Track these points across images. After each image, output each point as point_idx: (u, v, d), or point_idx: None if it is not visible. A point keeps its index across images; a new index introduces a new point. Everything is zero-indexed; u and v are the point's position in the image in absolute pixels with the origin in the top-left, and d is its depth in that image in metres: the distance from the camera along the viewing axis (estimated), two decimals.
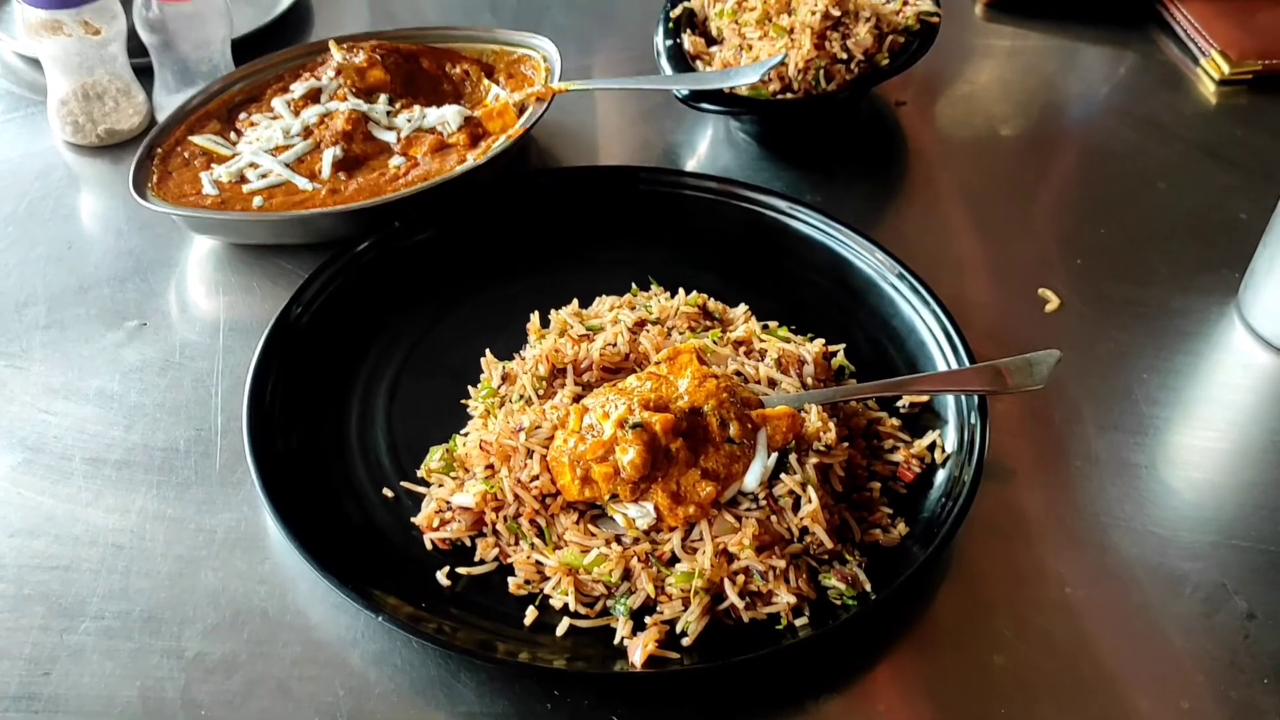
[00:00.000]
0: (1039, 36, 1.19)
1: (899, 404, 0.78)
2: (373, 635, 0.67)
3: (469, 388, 0.78)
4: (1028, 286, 0.90)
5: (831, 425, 0.72)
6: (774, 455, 0.69)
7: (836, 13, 0.96)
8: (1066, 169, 1.06)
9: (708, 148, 1.04)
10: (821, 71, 0.95)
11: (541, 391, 0.75)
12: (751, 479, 0.68)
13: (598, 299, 0.83)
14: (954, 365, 0.79)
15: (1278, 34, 1.13)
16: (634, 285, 0.85)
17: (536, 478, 0.69)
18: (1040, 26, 1.20)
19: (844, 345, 0.81)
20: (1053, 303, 0.89)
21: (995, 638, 0.68)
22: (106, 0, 0.92)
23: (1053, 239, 0.96)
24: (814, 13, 0.96)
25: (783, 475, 0.69)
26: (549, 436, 0.70)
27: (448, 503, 0.71)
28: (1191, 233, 0.96)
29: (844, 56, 0.95)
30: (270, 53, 1.00)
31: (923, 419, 0.78)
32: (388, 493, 0.73)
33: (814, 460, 0.70)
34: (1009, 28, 1.20)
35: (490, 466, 0.71)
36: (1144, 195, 1.00)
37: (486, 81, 1.00)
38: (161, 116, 0.98)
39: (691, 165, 1.02)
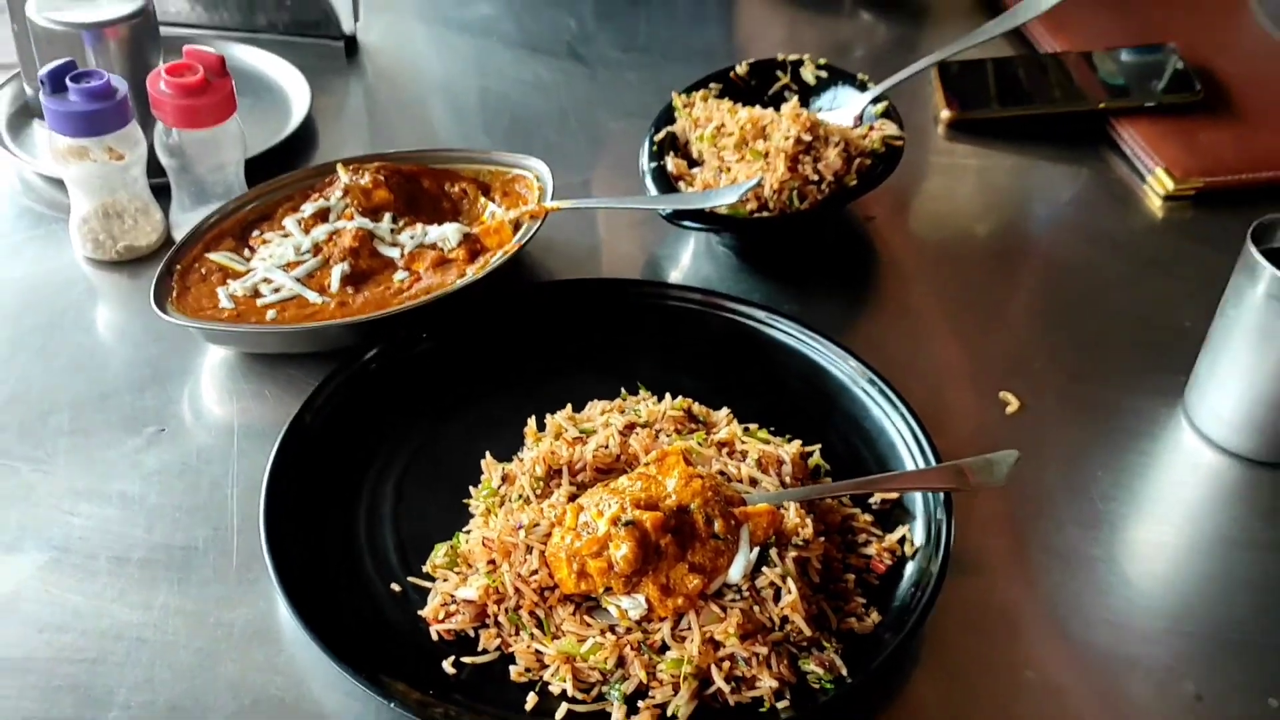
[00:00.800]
0: (998, 155, 1.27)
1: (871, 501, 0.84)
2: None
3: (470, 488, 0.84)
4: (990, 389, 0.97)
5: (809, 521, 0.78)
6: (756, 549, 0.75)
7: (808, 138, 1.04)
8: (1025, 279, 1.13)
9: (690, 260, 1.11)
10: (795, 192, 1.02)
11: (539, 491, 0.80)
12: (735, 572, 0.74)
13: (590, 404, 0.89)
14: (921, 465, 0.85)
15: (1219, 154, 1.22)
16: (623, 390, 0.91)
17: (535, 572, 0.74)
18: (999, 146, 1.28)
19: (819, 445, 0.88)
20: (1013, 405, 0.95)
21: (965, 718, 0.73)
22: (130, 128, 0.99)
23: (1013, 344, 1.03)
24: (787, 138, 1.04)
25: (764, 568, 0.74)
26: (546, 533, 0.76)
27: (452, 596, 0.76)
28: (1141, 339, 1.03)
29: (815, 178, 1.03)
30: (279, 171, 1.07)
31: (893, 514, 0.83)
32: (395, 587, 0.78)
33: (793, 554, 0.75)
34: (969, 146, 1.28)
35: (492, 562, 0.76)
36: (1097, 303, 1.08)
37: (483, 199, 1.07)
38: (177, 233, 1.05)
39: (675, 277, 1.09)
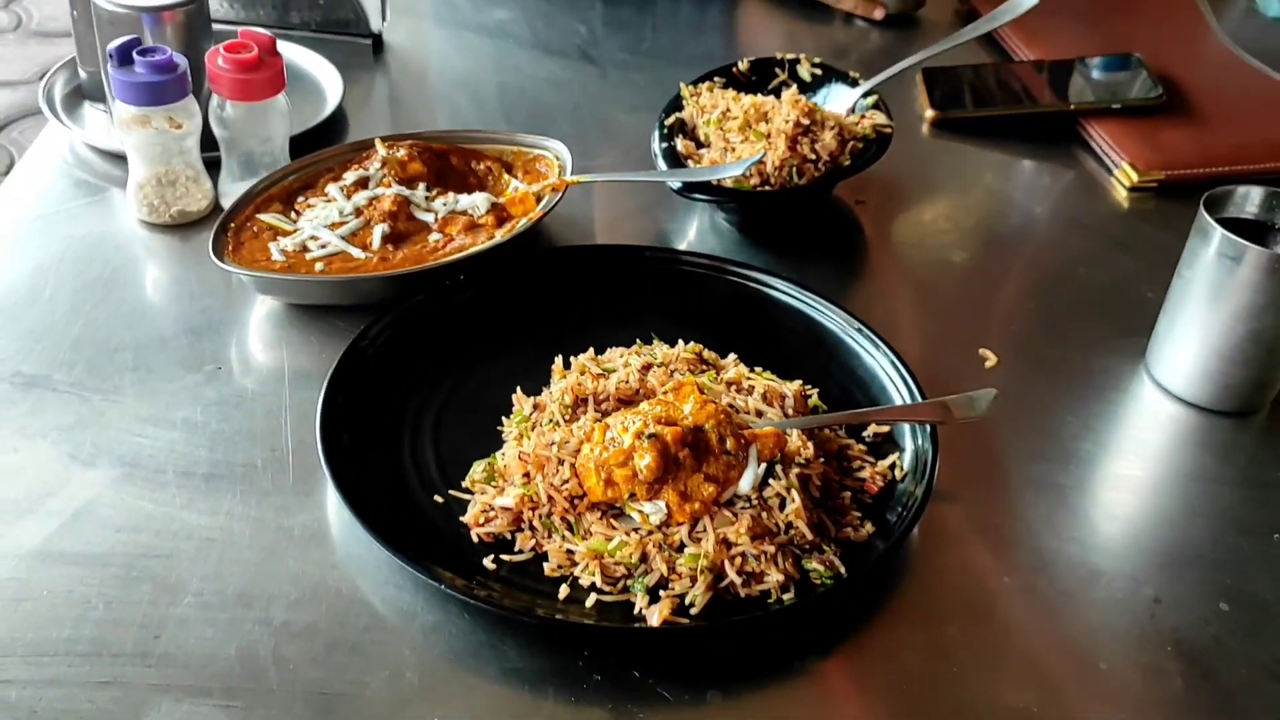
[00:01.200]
0: (978, 151, 1.38)
1: (865, 433, 0.93)
2: (430, 609, 0.80)
3: (503, 418, 0.93)
4: (970, 347, 1.06)
5: (809, 444, 0.87)
6: (763, 466, 0.84)
7: (806, 121, 1.14)
8: (1003, 256, 1.23)
9: (696, 234, 1.20)
10: (794, 169, 1.12)
11: (568, 417, 0.89)
12: (745, 483, 0.83)
13: (609, 349, 0.98)
14: (909, 403, 0.94)
15: (1178, 150, 1.33)
16: (638, 340, 1.00)
17: (567, 482, 0.83)
18: (978, 143, 1.39)
19: (818, 390, 0.97)
20: (991, 360, 1.05)
21: (948, 615, 0.82)
22: (188, 100, 1.08)
23: (992, 311, 1.13)
24: (787, 121, 1.14)
25: (770, 481, 0.83)
26: (576, 449, 0.85)
27: (491, 505, 0.84)
28: (1107, 308, 1.13)
29: (813, 157, 1.13)
30: (314, 150, 1.16)
31: (884, 447, 0.93)
32: (438, 499, 0.86)
33: (795, 471, 0.84)
34: (953, 142, 1.39)
35: (526, 474, 0.85)
36: (1067, 278, 1.18)
37: (507, 176, 1.17)
38: (225, 201, 1.14)
39: (681, 247, 1.18)
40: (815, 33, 1.61)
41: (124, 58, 1.05)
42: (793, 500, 0.82)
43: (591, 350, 0.97)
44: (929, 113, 1.41)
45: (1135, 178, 1.30)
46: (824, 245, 1.20)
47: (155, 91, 1.05)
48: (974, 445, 0.96)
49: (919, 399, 0.94)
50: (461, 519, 0.85)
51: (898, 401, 0.95)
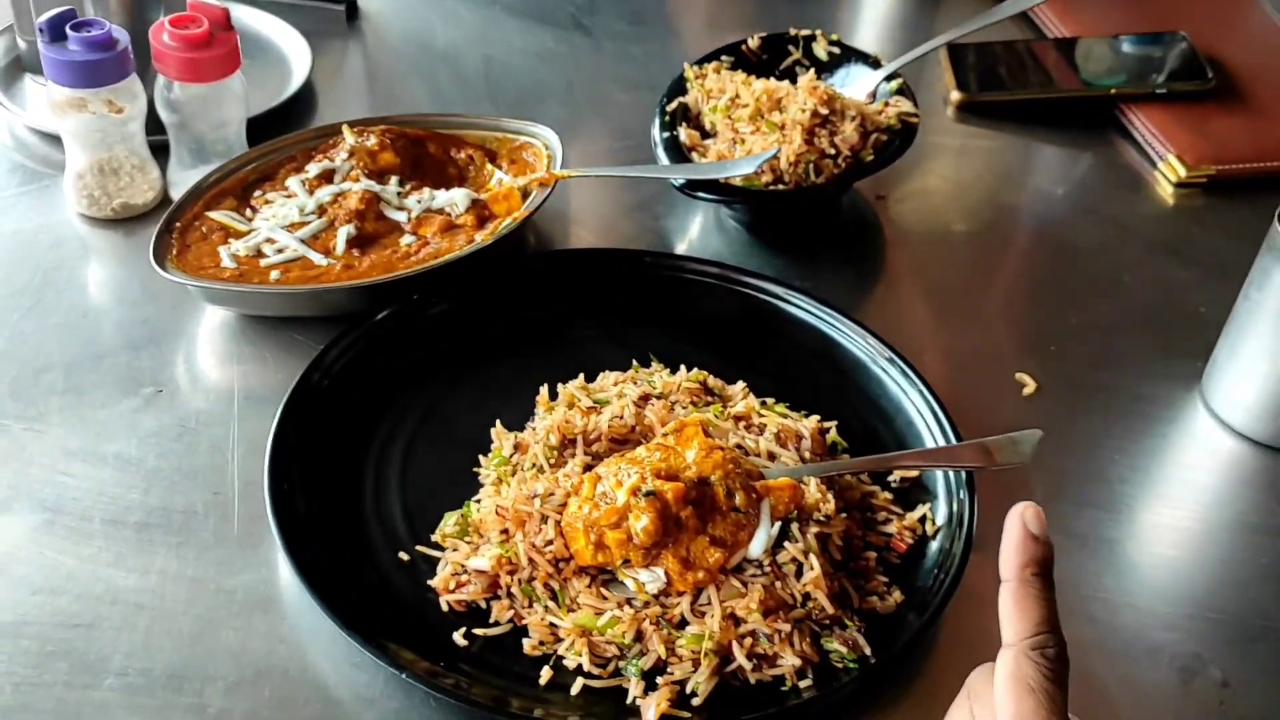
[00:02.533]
0: (1007, 138, 1.26)
1: (890, 478, 0.82)
2: (391, 693, 0.69)
3: (480, 456, 0.81)
4: (1005, 371, 0.95)
5: (830, 497, 0.76)
6: (777, 525, 0.73)
7: (824, 111, 1.02)
8: (1036, 261, 1.12)
9: (699, 233, 1.08)
10: (811, 165, 1.00)
11: (553, 460, 0.78)
12: (756, 547, 0.72)
13: (602, 374, 0.87)
14: (941, 443, 0.83)
15: (1230, 141, 1.21)
16: (635, 362, 0.89)
17: (550, 542, 0.72)
18: (1008, 128, 1.26)
19: (835, 423, 0.86)
20: (1029, 386, 0.94)
21: None
22: (130, 80, 0.96)
23: (1027, 326, 1.02)
24: (803, 111, 1.02)
25: (785, 543, 0.72)
26: (562, 503, 0.74)
27: (463, 566, 0.73)
28: (1154, 324, 1.02)
29: (831, 152, 1.01)
30: (278, 134, 1.04)
31: (912, 494, 0.82)
32: (403, 556, 0.75)
33: (814, 530, 0.73)
34: (979, 129, 1.27)
35: (505, 531, 0.73)
36: (1110, 288, 1.06)
37: (490, 166, 1.05)
38: (175, 192, 1.02)
39: (683, 249, 1.07)
40: (829, 1, 1.48)
41: (56, 33, 0.93)
42: (811, 567, 0.71)
43: (582, 377, 0.86)
44: (954, 95, 1.28)
45: (1183, 172, 1.18)
46: (839, 247, 1.09)
47: (92, 72, 0.93)
48: (1010, 487, 0.85)
49: (953, 438, 0.83)
50: (430, 582, 0.74)
51: (928, 438, 0.84)
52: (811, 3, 1.47)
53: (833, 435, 0.85)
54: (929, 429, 0.85)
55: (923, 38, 1.17)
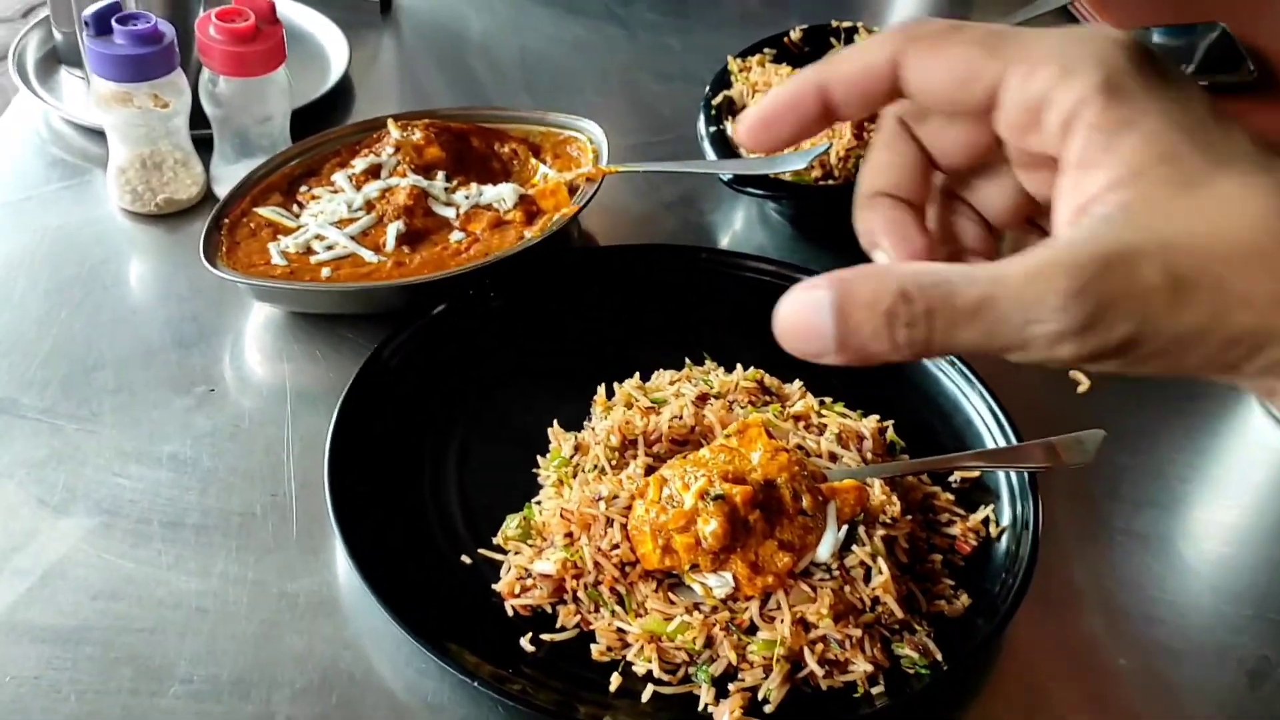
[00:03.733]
0: None
1: (950, 479, 0.82)
2: (459, 700, 0.68)
3: (538, 457, 0.81)
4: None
5: (895, 499, 0.75)
6: (844, 528, 0.72)
7: None
8: None
9: (743, 226, 1.07)
10: (860, 159, 0.99)
11: (614, 462, 0.77)
12: (824, 550, 0.71)
13: (656, 373, 0.86)
14: (1001, 443, 0.82)
15: (1272, 134, 1.20)
16: (688, 360, 0.88)
17: (616, 546, 0.71)
18: None
19: (892, 421, 0.85)
20: (1084, 384, 0.93)
21: (1056, 706, 0.71)
22: (175, 75, 0.94)
23: None
24: None
25: (853, 547, 0.72)
26: (627, 506, 0.73)
27: (527, 570, 0.73)
28: None
29: None
30: (316, 127, 1.03)
31: (972, 494, 0.81)
32: (466, 559, 0.75)
33: (880, 532, 0.73)
34: None
35: (569, 535, 0.73)
36: None
37: (534, 161, 1.04)
38: (218, 187, 1.01)
39: (728, 243, 1.06)
40: None
41: (101, 26, 0.92)
42: (880, 571, 0.71)
43: (637, 376, 0.85)
44: None
45: None
46: None
47: (138, 66, 0.92)
48: (1068, 487, 0.84)
49: (1012, 438, 0.82)
50: (494, 585, 0.73)
51: (987, 438, 0.83)
52: None
53: (891, 434, 0.84)
54: (988, 428, 0.84)
55: None
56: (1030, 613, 0.75)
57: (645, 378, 0.86)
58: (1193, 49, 1.30)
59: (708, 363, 0.88)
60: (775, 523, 0.71)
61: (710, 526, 0.69)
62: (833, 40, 1.18)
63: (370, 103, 1.18)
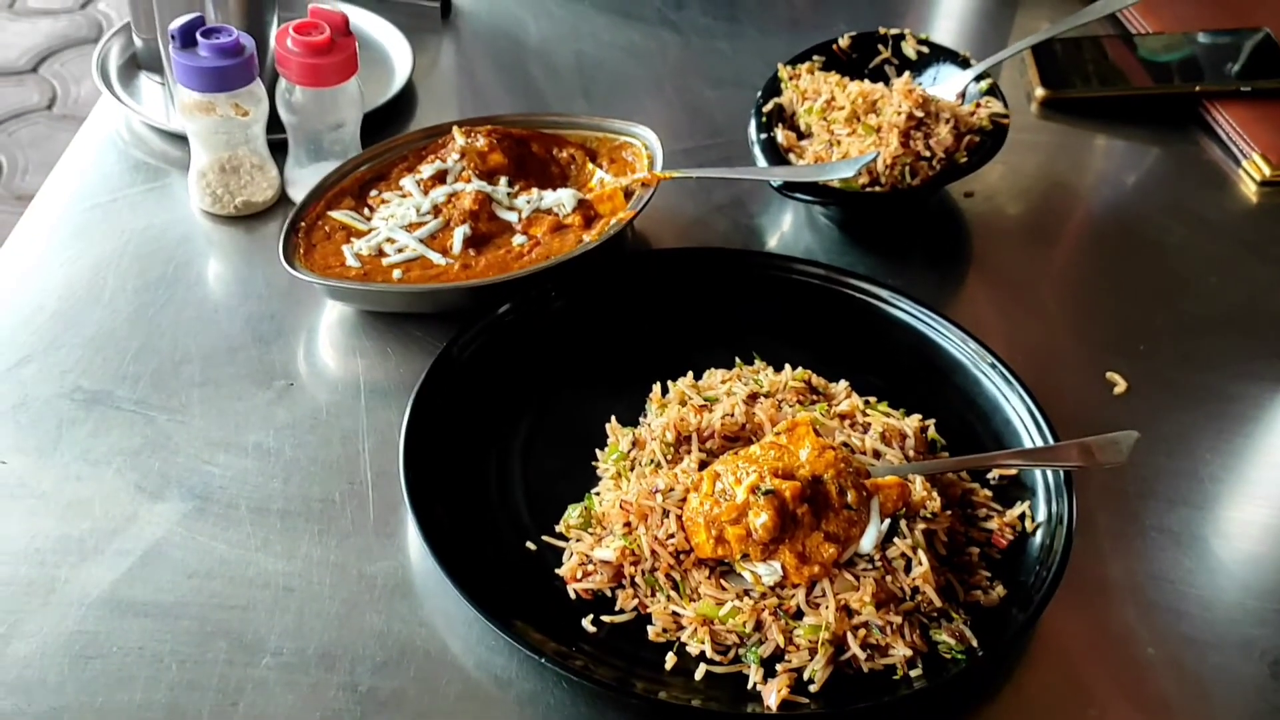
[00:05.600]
0: (1090, 135, 1.28)
1: (988, 476, 0.86)
2: (525, 675, 0.74)
3: (597, 450, 0.86)
4: (1096, 369, 0.98)
5: (935, 495, 0.79)
6: (886, 521, 0.76)
7: (919, 114, 1.05)
8: (1122, 258, 1.14)
9: (792, 230, 1.12)
10: (907, 167, 1.03)
11: (670, 456, 0.82)
12: (867, 542, 0.76)
13: (708, 372, 0.91)
14: (1039, 443, 0.86)
15: None
16: (738, 360, 0.93)
17: (672, 536, 0.76)
18: (1091, 125, 1.29)
19: (934, 420, 0.89)
20: (1120, 386, 0.97)
21: (1088, 692, 0.75)
22: (255, 84, 1.00)
23: (1115, 325, 1.04)
24: (899, 114, 1.04)
25: (895, 539, 0.76)
26: (682, 498, 0.78)
27: (588, 556, 0.78)
28: (1241, 323, 1.04)
29: (927, 154, 1.04)
30: (380, 130, 1.09)
31: (1010, 491, 0.85)
32: (530, 545, 0.80)
33: (921, 526, 0.77)
34: (1062, 125, 1.29)
35: (628, 524, 0.78)
36: (1196, 287, 1.08)
37: (591, 166, 1.08)
38: (291, 190, 1.07)
39: (776, 246, 1.10)
40: None
41: (187, 39, 0.97)
42: (919, 562, 0.75)
43: (690, 375, 0.90)
44: (1039, 91, 1.30)
45: (1267, 171, 1.20)
46: (929, 244, 1.12)
47: (221, 77, 0.97)
48: (1103, 485, 0.88)
49: (1050, 438, 0.86)
50: (557, 570, 0.78)
51: (1025, 438, 0.87)
52: None
53: (932, 433, 0.88)
54: (1026, 428, 0.88)
55: (1003, 32, 1.20)
56: (1063, 604, 0.79)
57: (698, 376, 0.90)
58: (1237, 53, 1.33)
59: (757, 362, 0.93)
60: (822, 516, 0.75)
61: (761, 519, 0.74)
62: (880, 47, 1.22)
63: (433, 107, 1.23)
